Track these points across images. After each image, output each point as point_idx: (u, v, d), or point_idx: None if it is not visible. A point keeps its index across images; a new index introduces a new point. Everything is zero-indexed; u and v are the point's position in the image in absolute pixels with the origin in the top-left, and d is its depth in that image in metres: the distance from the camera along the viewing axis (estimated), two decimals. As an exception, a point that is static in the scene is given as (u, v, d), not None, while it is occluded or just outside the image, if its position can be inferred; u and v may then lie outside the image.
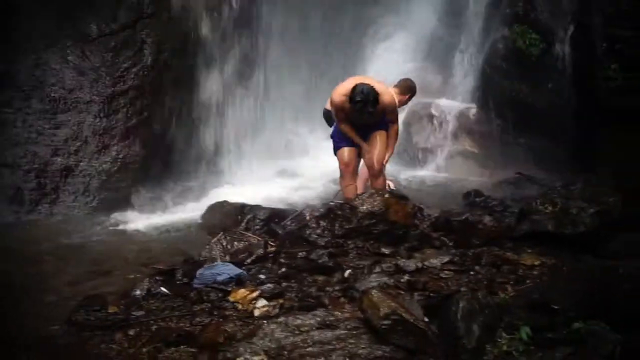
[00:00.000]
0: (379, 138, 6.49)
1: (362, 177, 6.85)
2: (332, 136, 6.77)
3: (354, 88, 6.02)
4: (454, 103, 10.25)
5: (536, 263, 4.88)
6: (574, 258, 5.03)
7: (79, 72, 8.11)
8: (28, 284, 5.29)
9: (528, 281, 4.52)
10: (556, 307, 3.84)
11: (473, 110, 9.85)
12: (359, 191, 6.42)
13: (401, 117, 9.84)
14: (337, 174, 6.81)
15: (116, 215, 7.61)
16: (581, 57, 8.18)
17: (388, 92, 6.38)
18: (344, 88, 6.22)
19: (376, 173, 6.48)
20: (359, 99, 5.96)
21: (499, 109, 9.47)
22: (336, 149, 6.67)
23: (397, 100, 6.61)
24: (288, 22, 10.60)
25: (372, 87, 6.03)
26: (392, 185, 6.60)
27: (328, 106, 6.66)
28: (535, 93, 8.96)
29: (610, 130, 7.33)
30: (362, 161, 6.66)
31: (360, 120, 6.32)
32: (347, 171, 6.63)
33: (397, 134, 6.71)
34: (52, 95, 7.96)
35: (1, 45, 7.91)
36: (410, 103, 9.86)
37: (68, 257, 5.96)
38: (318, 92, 10.19)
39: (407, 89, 7.14)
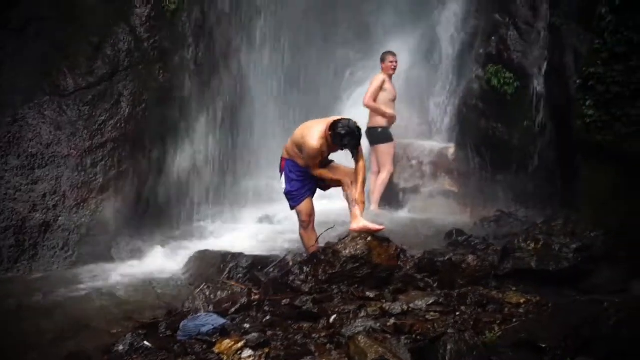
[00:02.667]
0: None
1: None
2: (287, 192, 6.53)
3: (334, 125, 5.98)
4: (432, 143, 10.35)
5: (521, 301, 4.87)
6: (558, 294, 5.06)
7: (56, 126, 8.07)
8: (7, 341, 5.19)
9: (514, 320, 4.50)
10: (544, 345, 3.82)
11: (451, 149, 9.93)
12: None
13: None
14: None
15: (97, 269, 7.50)
16: (556, 94, 8.30)
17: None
18: (315, 131, 6.13)
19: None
20: (343, 131, 5.91)
21: (476, 147, 9.56)
22: (297, 202, 6.50)
23: None
24: (267, 68, 10.74)
25: (352, 120, 6.07)
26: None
27: (288, 154, 6.52)
28: (511, 131, 9.06)
29: (588, 166, 7.39)
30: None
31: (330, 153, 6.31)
32: (311, 221, 6.52)
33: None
34: (30, 150, 7.90)
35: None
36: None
37: (49, 314, 5.85)
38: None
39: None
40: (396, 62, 9.46)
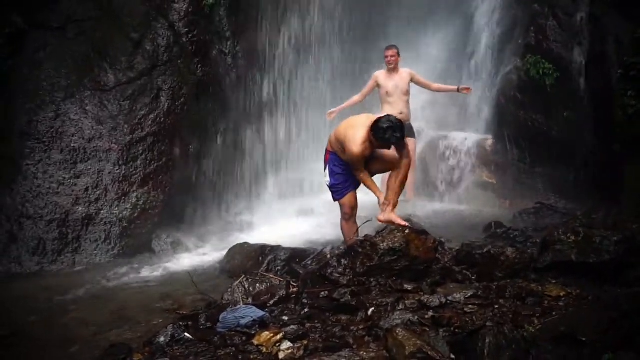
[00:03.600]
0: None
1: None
2: (331, 185, 6.50)
3: (376, 124, 5.93)
4: (470, 135, 10.27)
5: (561, 294, 4.81)
6: (599, 287, 4.98)
7: (98, 121, 8.24)
8: (52, 333, 5.31)
9: (554, 313, 4.45)
10: (584, 339, 3.78)
11: (489, 141, 9.85)
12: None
13: (418, 149, 9.96)
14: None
15: (138, 261, 7.64)
16: (596, 85, 8.18)
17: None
18: (359, 137, 6.02)
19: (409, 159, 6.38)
20: (385, 126, 5.85)
21: (515, 139, 9.48)
22: (341, 196, 6.47)
23: None
24: (302, 61, 10.74)
25: (395, 116, 6.07)
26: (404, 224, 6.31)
27: (332, 148, 6.48)
28: (550, 122, 8.97)
29: (629, 157, 7.28)
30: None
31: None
32: (353, 214, 6.50)
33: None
34: (72, 145, 8.09)
35: (23, 99, 8.08)
36: (426, 137, 9.94)
37: (91, 306, 5.97)
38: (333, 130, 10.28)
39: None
40: (392, 55, 9.17)
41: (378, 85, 9.16)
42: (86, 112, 8.24)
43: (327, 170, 6.51)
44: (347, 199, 6.46)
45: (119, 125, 8.29)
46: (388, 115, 6.08)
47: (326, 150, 6.57)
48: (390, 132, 5.87)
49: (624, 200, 7.26)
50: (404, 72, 9.12)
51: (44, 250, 7.51)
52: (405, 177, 6.32)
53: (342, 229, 6.61)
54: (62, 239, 7.64)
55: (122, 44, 8.62)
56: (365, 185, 6.35)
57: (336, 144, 6.35)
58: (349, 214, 6.49)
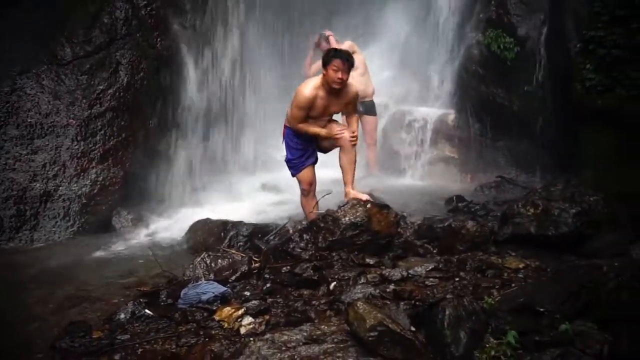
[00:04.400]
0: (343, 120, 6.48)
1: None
2: (287, 160, 6.50)
3: (327, 53, 6.03)
4: (432, 109, 10.30)
5: (520, 266, 4.89)
6: (558, 259, 5.07)
7: (55, 96, 8.07)
8: (10, 311, 5.22)
9: (513, 285, 4.51)
10: (542, 310, 3.83)
11: (451, 115, 9.89)
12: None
13: (380, 124, 9.98)
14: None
15: (98, 238, 7.55)
16: (556, 59, 8.24)
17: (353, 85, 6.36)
18: (312, 81, 6.13)
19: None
20: (332, 52, 5.99)
21: (477, 113, 9.52)
22: (298, 171, 6.46)
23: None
24: (262, 35, 10.65)
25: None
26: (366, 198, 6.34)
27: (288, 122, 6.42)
28: (511, 96, 9.02)
29: (588, 130, 7.38)
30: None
31: (326, 107, 6.13)
32: (312, 190, 6.51)
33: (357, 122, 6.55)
34: (29, 120, 7.91)
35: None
36: (389, 113, 9.96)
37: (50, 284, 5.88)
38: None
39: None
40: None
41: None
42: (43, 87, 8.06)
43: (283, 144, 6.49)
44: (304, 174, 6.46)
45: (77, 100, 8.13)
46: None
47: (284, 125, 6.53)
48: (334, 51, 6.00)
49: (582, 173, 7.37)
50: (346, 46, 9.07)
51: (1, 227, 7.37)
52: (353, 155, 6.30)
53: (301, 204, 6.62)
54: (19, 216, 7.50)
55: (79, 16, 8.43)
56: (309, 132, 6.26)
57: (290, 113, 6.32)
58: (307, 190, 6.49)
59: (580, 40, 7.35)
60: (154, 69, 8.82)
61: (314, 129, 6.21)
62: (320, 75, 6.05)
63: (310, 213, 6.36)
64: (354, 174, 6.33)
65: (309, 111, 6.11)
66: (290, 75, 10.52)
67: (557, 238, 5.25)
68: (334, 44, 9.04)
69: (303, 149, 6.38)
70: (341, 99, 6.12)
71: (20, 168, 7.72)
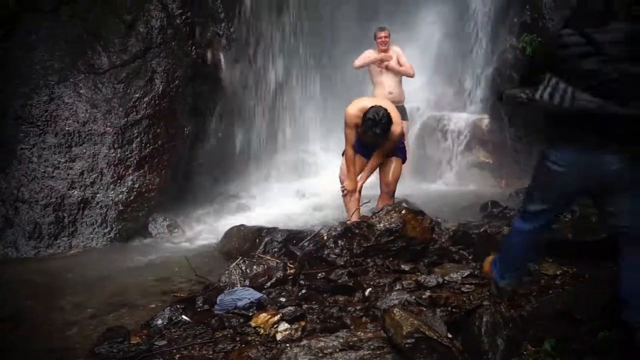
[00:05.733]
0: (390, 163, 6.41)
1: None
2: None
3: (371, 108, 5.89)
4: (466, 114, 10.25)
5: (558, 272, 4.83)
6: (595, 266, 4.98)
7: (92, 104, 8.19)
8: (49, 317, 5.30)
9: (550, 291, 4.46)
10: (580, 317, 3.79)
11: (485, 120, 9.82)
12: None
13: (413, 130, 9.95)
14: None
15: (134, 245, 7.66)
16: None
17: (399, 124, 6.18)
18: (361, 104, 6.08)
19: (390, 193, 6.38)
20: (370, 116, 5.83)
21: (511, 118, 9.43)
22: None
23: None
24: (298, 42, 10.69)
25: (388, 112, 5.90)
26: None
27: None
28: (546, 101, 8.91)
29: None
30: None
31: (368, 143, 6.13)
32: (350, 168, 6.40)
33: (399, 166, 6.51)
34: (67, 128, 8.04)
35: (17, 83, 8.02)
36: (423, 118, 9.93)
37: (88, 290, 5.96)
38: (329, 111, 10.26)
39: None
40: (385, 36, 9.11)
41: (369, 65, 9.13)
42: (80, 95, 8.18)
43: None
44: (348, 152, 6.38)
45: (114, 108, 8.25)
46: (379, 107, 5.96)
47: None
48: (370, 124, 5.84)
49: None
50: (394, 53, 9.10)
51: (40, 234, 7.50)
52: (373, 167, 6.35)
53: (344, 202, 6.62)
54: (58, 223, 7.62)
55: (115, 26, 8.55)
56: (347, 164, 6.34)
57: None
58: (346, 166, 6.44)
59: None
60: (189, 77, 8.92)
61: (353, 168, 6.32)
62: (367, 106, 6.03)
63: (350, 216, 6.36)
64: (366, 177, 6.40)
65: (357, 140, 6.17)
66: (329, 76, 10.50)
67: (594, 244, 5.16)
68: (381, 44, 8.99)
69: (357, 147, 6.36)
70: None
71: (58, 176, 7.84)
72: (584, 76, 3.45)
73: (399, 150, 6.44)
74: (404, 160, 6.54)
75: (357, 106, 6.09)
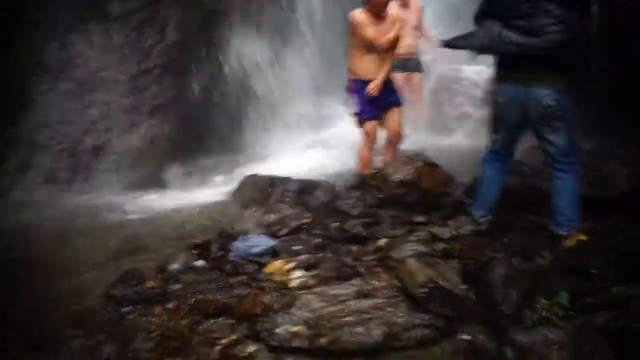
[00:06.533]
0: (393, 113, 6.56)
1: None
2: (355, 113, 6.60)
3: None
4: (482, 67, 10.10)
5: (572, 227, 4.82)
6: (609, 221, 4.97)
7: (104, 51, 8.14)
8: (65, 260, 5.36)
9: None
10: (594, 272, 3.80)
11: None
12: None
13: (428, 83, 9.85)
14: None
15: (148, 192, 7.67)
16: (611, 17, 7.99)
17: None
18: (357, 11, 6.30)
19: (399, 139, 6.48)
20: None
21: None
22: (362, 121, 6.54)
23: None
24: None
25: None
26: None
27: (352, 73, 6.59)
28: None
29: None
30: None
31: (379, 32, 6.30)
32: (371, 141, 6.54)
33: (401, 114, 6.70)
34: (79, 76, 8.00)
35: (30, 30, 7.96)
36: (438, 72, 9.80)
37: (103, 235, 6.01)
38: (342, 64, 10.15)
39: None
40: None
41: None
42: (92, 43, 8.13)
43: (351, 99, 6.60)
44: (368, 125, 6.51)
45: (126, 56, 8.20)
46: None
47: (348, 79, 6.62)
48: None
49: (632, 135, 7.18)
50: (416, 7, 8.97)
51: (55, 179, 7.53)
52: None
53: (358, 155, 6.64)
54: (72, 169, 7.66)
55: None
56: (367, 67, 6.46)
57: (351, 62, 6.51)
58: (368, 140, 6.53)
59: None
60: (202, 27, 8.81)
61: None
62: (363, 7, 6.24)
63: (361, 167, 6.39)
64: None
65: (365, 41, 6.24)
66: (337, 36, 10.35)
67: (608, 200, 5.15)
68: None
69: (365, 103, 6.42)
70: (387, 23, 6.33)
71: (72, 122, 7.85)
72: (506, 13, 4.19)
73: (397, 100, 6.60)
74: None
75: (356, 11, 6.30)
